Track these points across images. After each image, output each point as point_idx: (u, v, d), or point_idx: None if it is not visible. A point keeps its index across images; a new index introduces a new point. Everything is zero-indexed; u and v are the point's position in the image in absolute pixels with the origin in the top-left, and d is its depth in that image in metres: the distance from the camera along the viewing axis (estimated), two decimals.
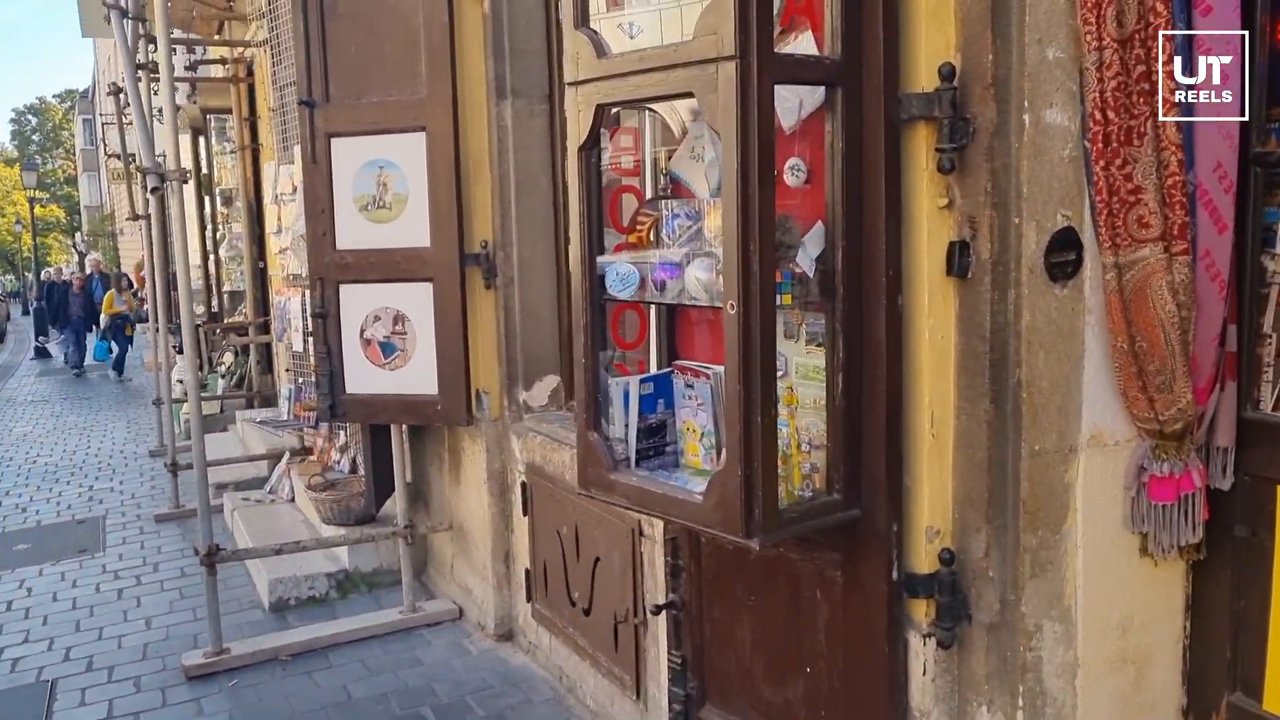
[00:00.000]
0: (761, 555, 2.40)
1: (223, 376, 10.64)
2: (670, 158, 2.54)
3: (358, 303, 4.64)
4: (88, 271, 22.06)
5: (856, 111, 2.11)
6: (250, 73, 9.24)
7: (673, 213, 2.28)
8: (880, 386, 2.17)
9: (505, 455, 4.65)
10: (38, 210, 42.32)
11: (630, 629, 3.65)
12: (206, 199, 11.44)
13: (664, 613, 2.88)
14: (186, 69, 9.74)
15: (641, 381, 2.40)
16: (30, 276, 32.61)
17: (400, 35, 4.42)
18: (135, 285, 21.69)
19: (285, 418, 7.83)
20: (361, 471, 6.24)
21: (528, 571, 4.50)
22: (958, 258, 2.12)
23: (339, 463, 6.74)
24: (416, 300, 4.54)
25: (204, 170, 11.48)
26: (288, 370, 7.82)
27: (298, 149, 6.82)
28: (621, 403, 2.40)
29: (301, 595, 5.41)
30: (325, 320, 4.68)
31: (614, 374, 2.48)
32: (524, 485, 4.45)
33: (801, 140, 2.23)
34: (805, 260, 2.12)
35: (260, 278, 9.79)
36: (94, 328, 18.54)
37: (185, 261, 4.57)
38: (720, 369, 2.37)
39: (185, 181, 4.51)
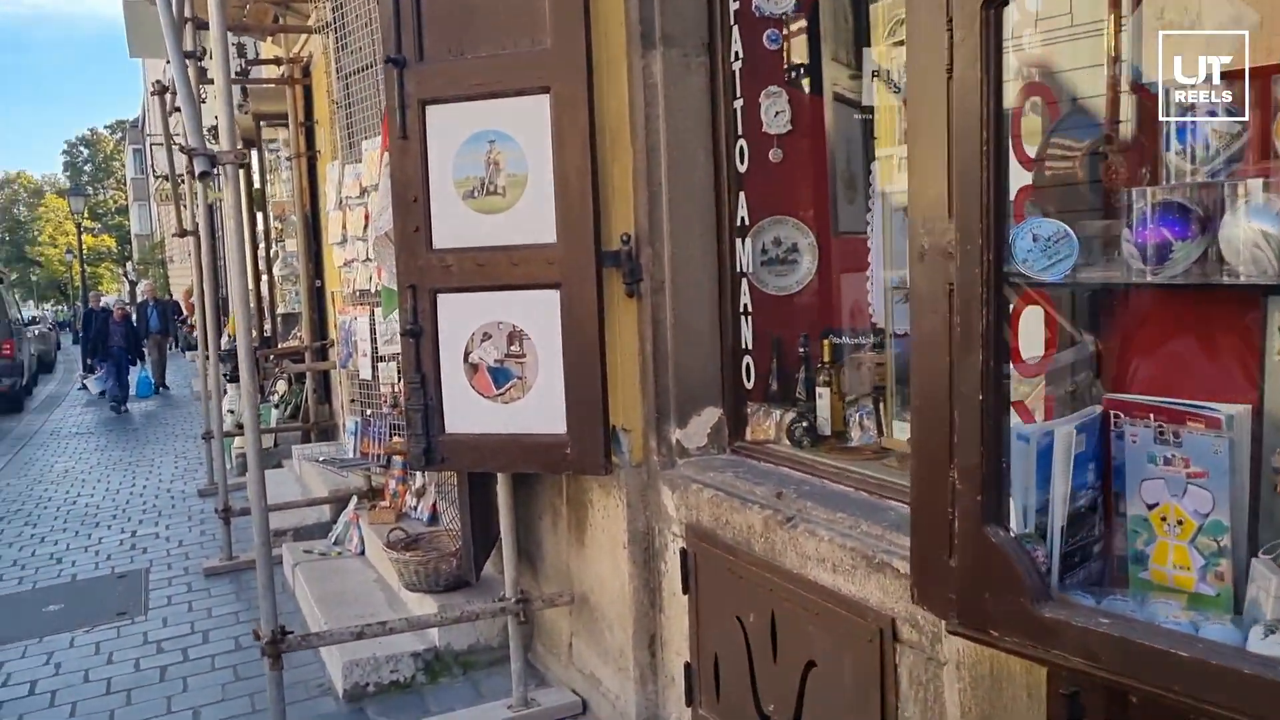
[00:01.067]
0: None
1: (276, 406, 9.74)
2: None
3: (461, 317, 3.60)
4: (140, 298, 21.49)
5: None
6: (306, 74, 8.42)
7: (1192, 113, 1.19)
8: None
9: (651, 512, 3.59)
10: (90, 240, 42.16)
11: None
12: (259, 214, 10.62)
13: None
14: (237, 73, 8.89)
15: (1075, 431, 1.32)
16: (80, 305, 32.38)
17: None
18: (185, 313, 21.05)
19: (350, 456, 6.87)
20: (445, 522, 5.23)
21: (688, 665, 3.42)
22: None
23: (415, 509, 5.75)
24: (538, 312, 3.49)
25: (256, 184, 10.70)
26: (353, 401, 6.87)
27: (365, 145, 5.91)
28: (1034, 467, 1.32)
29: (383, 680, 4.37)
30: (418, 340, 3.64)
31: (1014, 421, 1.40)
32: (683, 553, 3.38)
33: None
34: None
35: (317, 297, 8.92)
36: (139, 360, 17.78)
37: (243, 269, 3.54)
38: (1239, 409, 1.28)
39: (241, 165, 3.51)
